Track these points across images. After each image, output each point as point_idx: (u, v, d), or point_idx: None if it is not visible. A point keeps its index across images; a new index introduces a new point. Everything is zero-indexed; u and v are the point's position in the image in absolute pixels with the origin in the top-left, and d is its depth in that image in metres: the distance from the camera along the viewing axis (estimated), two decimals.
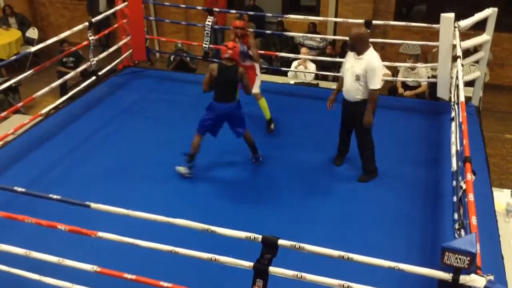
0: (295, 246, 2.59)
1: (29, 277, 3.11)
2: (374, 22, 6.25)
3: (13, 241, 3.18)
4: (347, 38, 7.57)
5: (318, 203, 4.38)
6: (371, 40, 6.37)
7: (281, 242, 2.60)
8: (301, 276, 2.59)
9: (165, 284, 2.86)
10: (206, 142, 4.69)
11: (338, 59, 7.20)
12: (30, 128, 5.47)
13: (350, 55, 4.47)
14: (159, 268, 3.19)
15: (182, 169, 4.62)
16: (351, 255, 2.54)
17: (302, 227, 4.02)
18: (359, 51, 4.35)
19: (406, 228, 4.07)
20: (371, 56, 4.35)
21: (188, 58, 8.22)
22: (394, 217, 4.21)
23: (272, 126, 5.43)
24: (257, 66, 5.42)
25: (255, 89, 5.32)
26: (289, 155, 5.09)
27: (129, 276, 2.90)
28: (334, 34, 9.17)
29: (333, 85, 7.16)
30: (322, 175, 4.77)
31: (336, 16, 9.05)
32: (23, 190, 3.19)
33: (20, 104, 5.57)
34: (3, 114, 5.23)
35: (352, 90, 4.42)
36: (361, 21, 6.21)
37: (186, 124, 5.47)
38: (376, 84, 4.31)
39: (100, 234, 2.92)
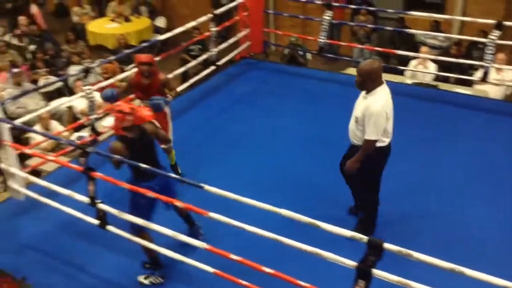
0: (401, 252, 2.53)
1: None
2: (505, 23, 5.78)
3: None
4: (474, 38, 7.13)
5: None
6: (502, 42, 5.90)
7: (386, 245, 2.56)
8: (406, 284, 2.52)
9: (267, 270, 2.98)
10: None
11: (462, 61, 6.77)
12: None
13: (362, 92, 3.65)
14: (262, 254, 3.29)
15: None
16: (462, 268, 2.42)
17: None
18: (368, 89, 3.51)
19: None
20: (376, 97, 3.48)
21: (301, 53, 8.26)
22: None
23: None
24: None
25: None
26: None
27: (235, 257, 3.07)
28: (460, 34, 8.60)
29: (454, 88, 6.76)
30: None
31: (463, 15, 8.48)
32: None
33: None
34: None
35: (350, 132, 3.70)
36: (491, 21, 5.78)
37: (292, 116, 5.68)
38: (371, 133, 3.46)
39: (211, 214, 3.11)
